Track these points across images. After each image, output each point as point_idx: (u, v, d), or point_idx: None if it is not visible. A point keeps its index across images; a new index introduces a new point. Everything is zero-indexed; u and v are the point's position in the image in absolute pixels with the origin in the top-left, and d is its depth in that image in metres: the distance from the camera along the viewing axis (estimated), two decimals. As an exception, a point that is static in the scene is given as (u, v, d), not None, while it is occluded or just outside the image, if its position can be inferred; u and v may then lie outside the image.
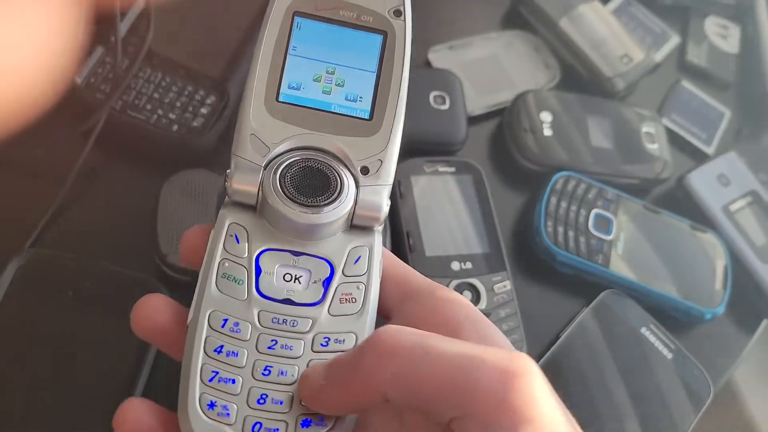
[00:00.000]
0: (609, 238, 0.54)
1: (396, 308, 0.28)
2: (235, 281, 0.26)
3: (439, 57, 0.61)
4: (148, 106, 0.49)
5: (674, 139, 0.63)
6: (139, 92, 0.49)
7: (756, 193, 0.60)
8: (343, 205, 0.27)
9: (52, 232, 0.46)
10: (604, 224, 0.54)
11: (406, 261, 0.48)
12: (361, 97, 0.28)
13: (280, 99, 0.28)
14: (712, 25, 0.73)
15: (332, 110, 0.28)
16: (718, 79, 0.69)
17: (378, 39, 0.29)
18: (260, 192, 0.27)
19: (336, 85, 0.28)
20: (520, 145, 0.56)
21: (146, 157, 0.50)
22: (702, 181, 0.59)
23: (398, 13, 0.29)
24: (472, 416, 0.21)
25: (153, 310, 0.27)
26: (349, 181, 0.27)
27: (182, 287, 0.45)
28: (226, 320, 0.26)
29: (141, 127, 0.48)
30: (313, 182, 0.27)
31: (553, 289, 0.53)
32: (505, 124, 0.58)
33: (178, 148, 0.49)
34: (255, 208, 0.27)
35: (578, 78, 0.63)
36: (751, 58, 0.71)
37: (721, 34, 0.72)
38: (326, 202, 0.27)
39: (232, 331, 0.25)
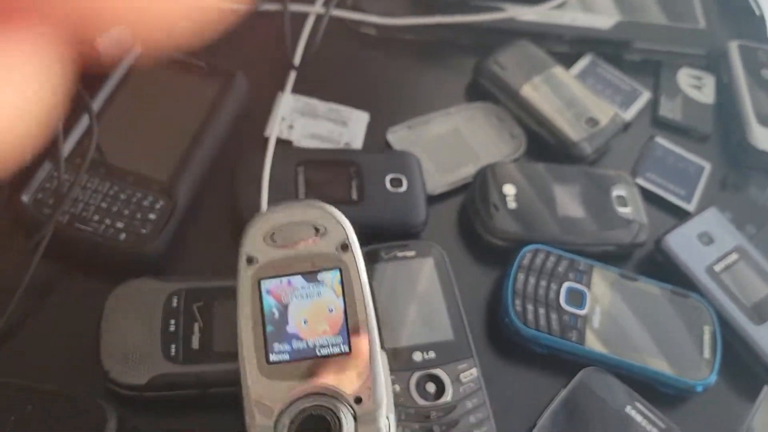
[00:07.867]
0: (583, 312, 0.51)
1: None
2: None
3: (399, 138, 0.60)
4: (96, 217, 0.48)
5: (652, 198, 0.61)
6: (87, 203, 0.49)
7: (742, 249, 0.57)
8: None
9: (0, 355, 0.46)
10: (577, 298, 0.51)
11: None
12: (338, 335, 0.31)
13: (271, 360, 0.30)
14: (685, 77, 0.71)
15: (318, 354, 0.31)
16: (695, 131, 0.67)
17: (335, 275, 0.32)
18: None
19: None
20: (484, 222, 0.54)
21: (96, 269, 0.49)
22: (681, 242, 0.56)
23: (345, 247, 0.32)
24: None
25: None
26: (347, 418, 0.29)
27: (128, 403, 0.43)
28: None
29: (88, 239, 0.48)
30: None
31: (527, 372, 0.50)
32: (467, 201, 0.57)
33: (125, 256, 0.48)
34: None
35: (545, 145, 0.62)
36: (728, 107, 0.68)
37: (696, 85, 0.71)
38: None
39: None
